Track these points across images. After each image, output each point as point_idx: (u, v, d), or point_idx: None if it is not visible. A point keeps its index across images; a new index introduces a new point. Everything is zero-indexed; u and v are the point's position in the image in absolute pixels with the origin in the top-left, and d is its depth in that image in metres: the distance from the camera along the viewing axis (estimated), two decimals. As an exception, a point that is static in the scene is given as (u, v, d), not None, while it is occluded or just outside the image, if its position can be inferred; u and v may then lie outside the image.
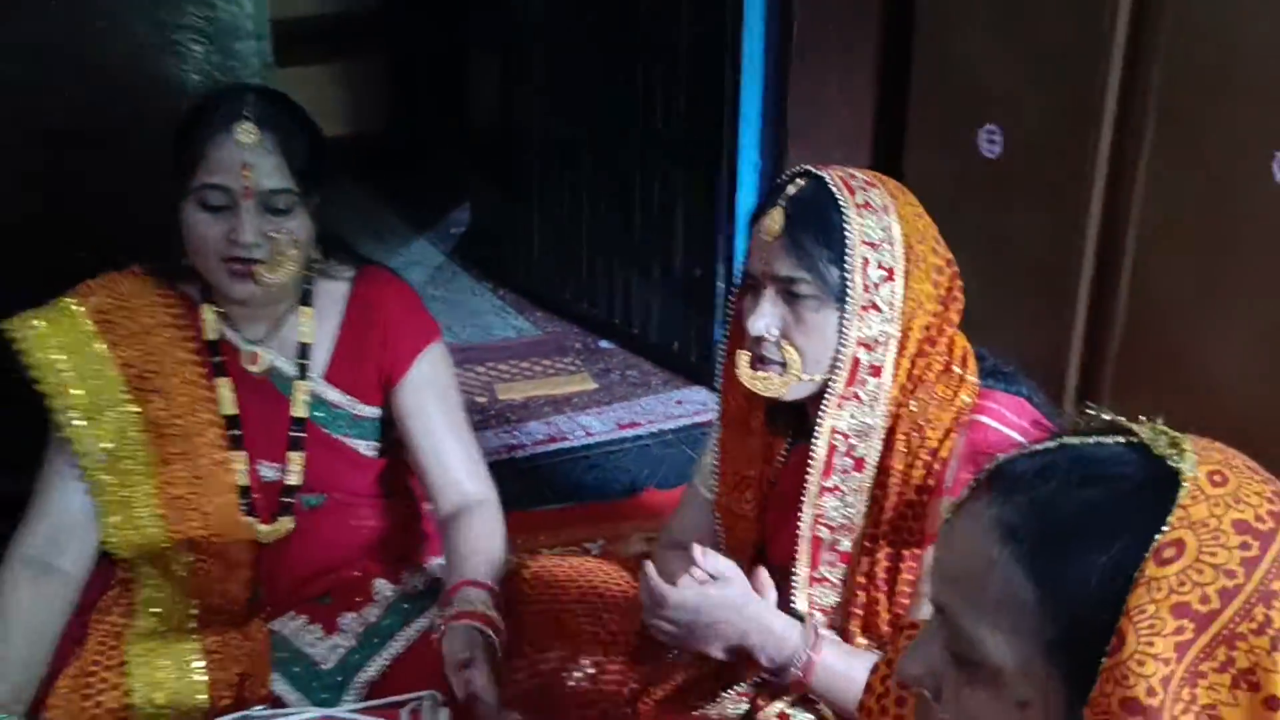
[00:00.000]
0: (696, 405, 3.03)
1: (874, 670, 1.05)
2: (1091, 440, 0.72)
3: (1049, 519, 0.68)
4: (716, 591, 1.42)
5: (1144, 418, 0.73)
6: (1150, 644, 0.63)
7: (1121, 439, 0.72)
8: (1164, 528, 0.65)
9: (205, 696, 1.60)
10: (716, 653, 1.47)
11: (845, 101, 2.72)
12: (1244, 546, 0.64)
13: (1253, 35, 1.99)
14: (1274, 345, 1.98)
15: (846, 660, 1.42)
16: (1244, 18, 2.00)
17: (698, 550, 1.43)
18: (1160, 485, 0.67)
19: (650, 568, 1.46)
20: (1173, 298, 2.17)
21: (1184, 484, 0.66)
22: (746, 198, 2.88)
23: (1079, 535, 0.67)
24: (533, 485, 2.58)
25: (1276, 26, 1.96)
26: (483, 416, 2.90)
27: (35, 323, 1.65)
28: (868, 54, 2.72)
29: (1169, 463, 0.68)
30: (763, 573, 1.47)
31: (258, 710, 1.37)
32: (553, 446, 2.82)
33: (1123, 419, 0.73)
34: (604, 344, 3.43)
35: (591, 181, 3.38)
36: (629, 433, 2.90)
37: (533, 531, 2.35)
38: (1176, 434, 0.71)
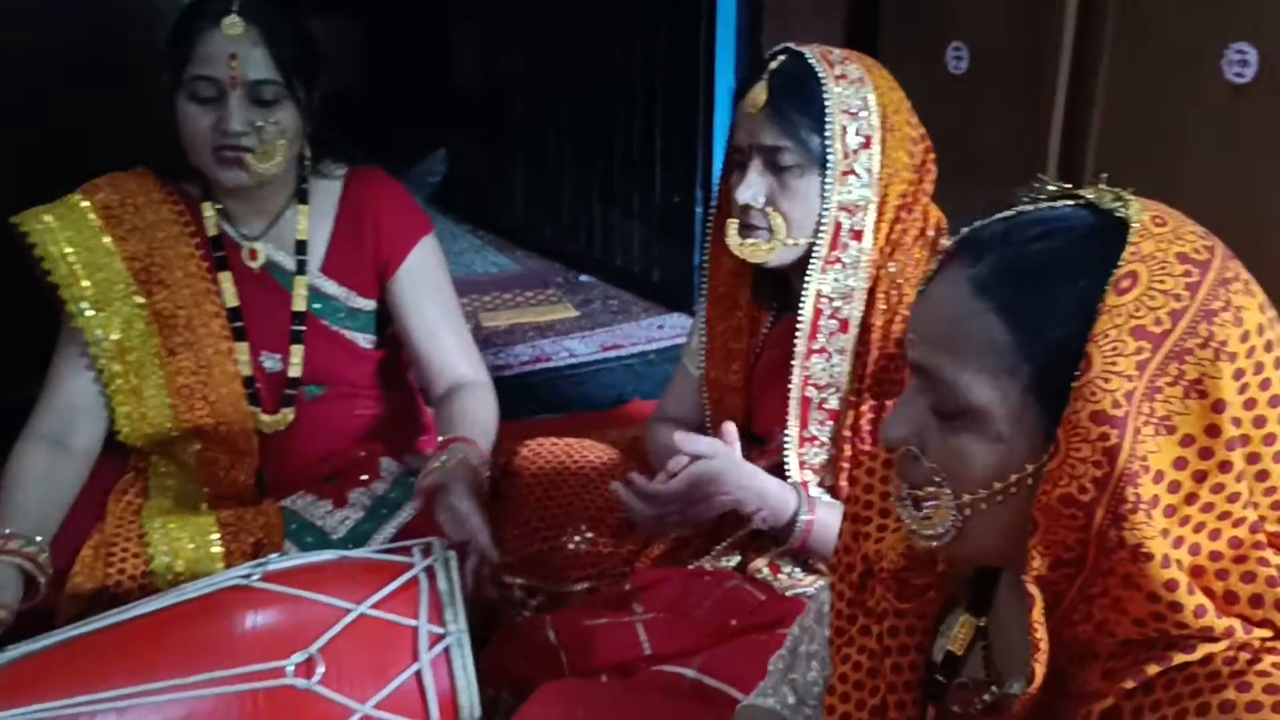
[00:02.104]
0: (677, 330, 3.11)
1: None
2: (1044, 204, 0.81)
3: (1017, 269, 0.76)
4: (700, 469, 1.48)
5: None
6: (1114, 363, 0.71)
7: (1070, 202, 0.81)
8: (1120, 263, 0.73)
9: (222, 565, 1.66)
10: (710, 517, 1.55)
11: (819, 22, 2.81)
12: (1187, 274, 0.73)
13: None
14: (1226, 237, 2.08)
15: (837, 516, 1.50)
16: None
17: (679, 436, 1.49)
18: (1111, 230, 0.75)
19: (621, 486, 1.51)
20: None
21: (1133, 224, 0.75)
22: (723, 123, 2.95)
23: (1045, 279, 0.75)
24: (522, 400, 2.66)
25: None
26: (469, 339, 2.97)
27: (45, 217, 1.70)
28: (839, -26, 2.82)
29: (1115, 213, 0.77)
30: (728, 426, 1.54)
31: (275, 556, 1.44)
32: (539, 366, 2.90)
33: (1069, 185, 0.82)
34: (584, 278, 3.51)
35: (571, 121, 3.45)
36: (612, 354, 2.98)
37: (524, 439, 2.43)
38: (1119, 189, 0.80)
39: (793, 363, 1.55)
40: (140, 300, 1.72)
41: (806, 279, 1.53)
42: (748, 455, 1.54)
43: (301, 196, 1.80)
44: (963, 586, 0.94)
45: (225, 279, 1.77)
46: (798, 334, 1.55)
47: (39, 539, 1.55)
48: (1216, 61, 2.09)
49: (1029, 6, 2.38)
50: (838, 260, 1.53)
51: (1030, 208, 0.81)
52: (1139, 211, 0.76)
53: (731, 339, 1.70)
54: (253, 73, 1.63)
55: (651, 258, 3.31)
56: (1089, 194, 0.80)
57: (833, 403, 1.57)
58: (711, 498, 1.49)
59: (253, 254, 1.78)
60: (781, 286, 1.65)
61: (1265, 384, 0.72)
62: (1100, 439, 0.71)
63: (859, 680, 0.94)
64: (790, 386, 1.56)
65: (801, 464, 1.57)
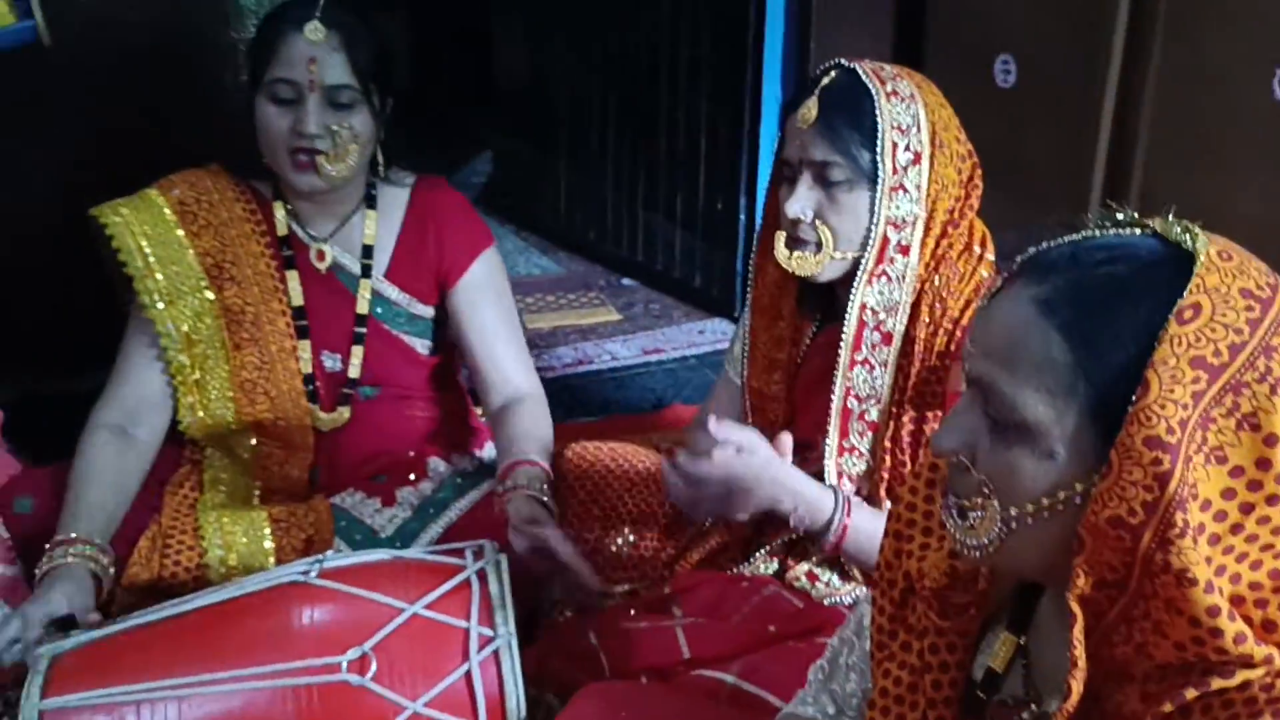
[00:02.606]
0: (719, 335, 3.14)
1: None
2: (1112, 231, 0.83)
3: (1082, 291, 0.78)
4: (741, 461, 1.48)
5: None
6: (1171, 390, 0.73)
7: (1138, 230, 0.83)
8: (1184, 293, 0.75)
9: (273, 560, 1.71)
10: (744, 518, 1.57)
11: (866, 35, 2.82)
12: (1249, 309, 0.75)
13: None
14: (1272, 256, 2.08)
15: (874, 522, 1.52)
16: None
17: (713, 421, 1.50)
18: (1177, 261, 0.77)
19: (670, 459, 1.52)
20: (1179, 215, 2.28)
21: (1199, 257, 0.77)
22: (769, 131, 2.97)
23: (1109, 303, 0.77)
24: (564, 402, 2.68)
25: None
26: (514, 342, 3.01)
27: (123, 210, 1.76)
28: (887, -13, 2.83)
29: (1183, 245, 0.79)
30: (784, 437, 1.54)
31: (331, 553, 1.48)
32: (581, 369, 2.93)
33: (1136, 215, 0.84)
34: (626, 281, 3.54)
35: (616, 125, 3.48)
36: (653, 357, 3.01)
37: (566, 441, 2.46)
38: (1187, 222, 0.82)
39: (835, 373, 1.58)
40: (210, 295, 1.77)
41: (852, 291, 1.55)
42: None
43: (370, 201, 1.85)
44: (1004, 604, 0.95)
45: (292, 278, 1.82)
46: (841, 345, 1.56)
47: (103, 543, 1.60)
48: (1266, 79, 2.09)
49: (1077, 20, 2.38)
50: (883, 273, 1.55)
51: (1098, 233, 0.82)
52: (1206, 244, 0.78)
53: (774, 348, 1.72)
54: (330, 77, 1.68)
55: (694, 262, 3.34)
56: (1157, 224, 0.81)
57: (873, 414, 1.59)
58: (750, 492, 1.48)
59: (320, 255, 1.83)
60: (826, 297, 1.67)
61: None
62: (1153, 463, 0.73)
63: (899, 695, 0.96)
64: (832, 397, 1.59)
65: (840, 473, 1.59)
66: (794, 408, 1.72)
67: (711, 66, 3.09)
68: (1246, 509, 0.74)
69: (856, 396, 1.58)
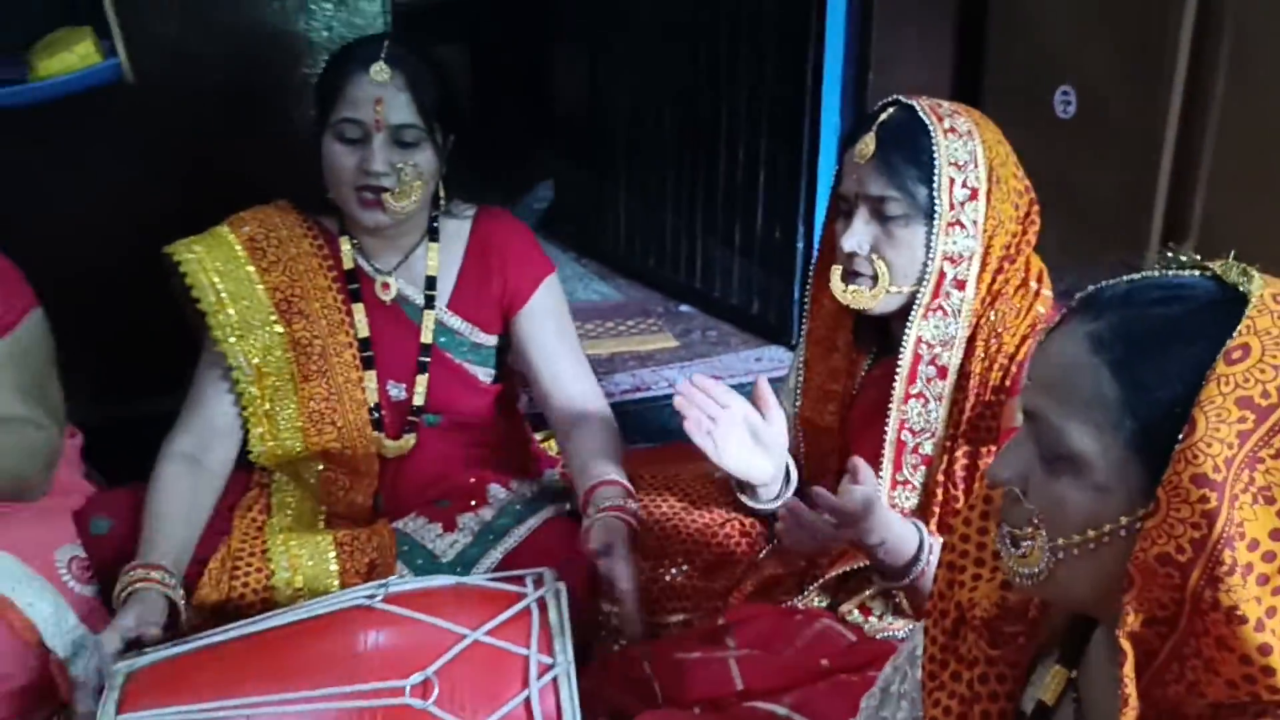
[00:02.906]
0: (776, 362, 3.14)
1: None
2: (1170, 272, 0.85)
3: (1134, 329, 0.80)
4: (864, 492, 1.44)
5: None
6: (1217, 430, 0.74)
7: (1197, 272, 0.84)
8: (1234, 334, 0.77)
9: (338, 583, 1.76)
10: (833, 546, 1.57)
11: (924, 66, 2.83)
12: None
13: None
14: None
15: None
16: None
17: (857, 461, 1.48)
18: (1231, 303, 0.79)
19: (797, 504, 1.53)
20: (1242, 253, 2.26)
21: (1251, 299, 0.78)
22: (827, 161, 2.99)
23: (1160, 342, 0.79)
24: (621, 428, 2.70)
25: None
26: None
27: (195, 248, 1.82)
28: (946, 19, 2.82)
29: (1239, 287, 0.80)
30: (866, 468, 1.49)
31: (396, 578, 1.52)
32: (638, 395, 2.96)
33: (1197, 257, 0.86)
34: (684, 308, 3.56)
35: (675, 153, 3.51)
36: (710, 385, 3.02)
37: (630, 467, 2.49)
38: (1245, 265, 0.83)
39: (890, 406, 1.59)
40: (280, 328, 1.82)
41: (908, 325, 1.57)
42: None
43: (433, 234, 1.90)
44: (1056, 637, 0.97)
45: (358, 310, 1.87)
46: (896, 378, 1.58)
47: (176, 568, 1.66)
48: (1333, 113, 2.07)
49: (1138, 52, 2.38)
50: (939, 308, 1.56)
51: (1156, 273, 0.84)
52: (1261, 287, 0.79)
53: (829, 380, 1.74)
54: (395, 117, 1.73)
55: (751, 290, 3.36)
56: (1216, 266, 0.83)
57: (927, 448, 1.60)
58: (859, 524, 1.46)
59: (385, 287, 1.88)
60: (881, 330, 1.69)
61: None
62: (1200, 501, 0.74)
63: None
64: (886, 430, 1.60)
65: (893, 506, 1.60)
66: (847, 440, 1.73)
67: (771, 97, 3.12)
68: None
69: (910, 430, 1.60)
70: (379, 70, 1.73)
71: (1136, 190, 2.41)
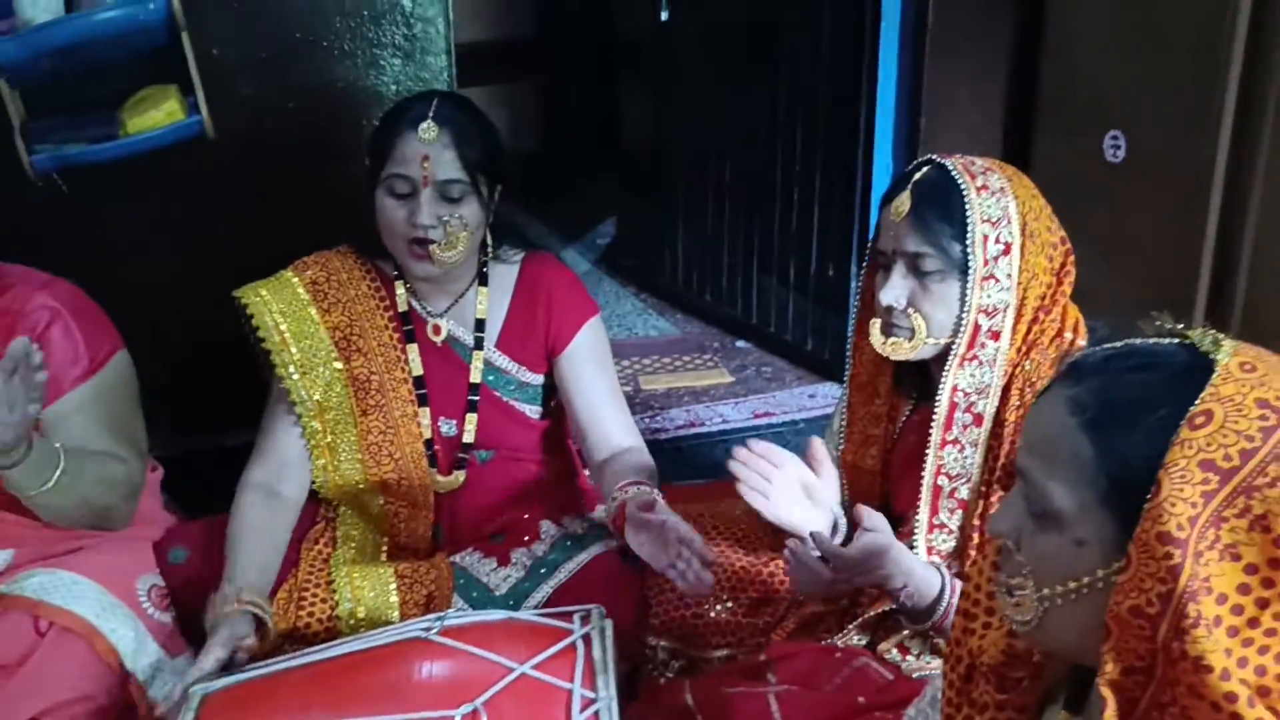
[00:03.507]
0: (829, 398, 3.19)
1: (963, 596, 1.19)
2: (1151, 340, 0.90)
3: (1108, 395, 0.86)
4: (873, 540, 1.53)
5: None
6: (1181, 490, 0.80)
7: (1176, 340, 0.90)
8: (1197, 401, 0.82)
9: (397, 614, 1.84)
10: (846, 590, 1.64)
11: (976, 108, 2.88)
12: (1263, 418, 0.81)
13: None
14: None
15: None
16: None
17: (862, 509, 1.55)
18: (1200, 370, 0.84)
19: (799, 546, 1.59)
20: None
21: (1218, 368, 0.84)
22: (880, 202, 3.04)
23: (1132, 406, 0.84)
24: (675, 464, 2.78)
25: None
26: (628, 404, 3.12)
27: (262, 292, 1.93)
28: (998, 62, 2.87)
29: (1209, 355, 0.86)
30: (876, 515, 1.56)
31: (452, 612, 1.61)
32: (692, 431, 3.03)
33: (1179, 326, 0.91)
34: (740, 344, 3.63)
35: (733, 192, 3.59)
36: (763, 421, 3.08)
37: (675, 503, 2.55)
38: (1220, 335, 0.88)
39: (926, 451, 1.64)
40: (339, 365, 1.92)
41: (944, 374, 1.61)
42: None
43: (482, 279, 1.99)
44: (1061, 683, 1.02)
45: (412, 350, 1.97)
46: (933, 425, 1.63)
47: (262, 589, 1.76)
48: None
49: (1187, 98, 2.40)
50: (975, 357, 1.61)
51: (1138, 341, 0.90)
52: (1229, 356, 0.85)
53: (871, 425, 1.79)
54: (442, 173, 1.82)
55: (806, 326, 3.41)
56: (1194, 335, 0.89)
57: (963, 492, 1.64)
58: (874, 570, 1.54)
59: (436, 329, 1.98)
60: (922, 376, 1.74)
61: None
62: (1164, 557, 0.79)
63: None
64: (923, 475, 1.65)
65: (930, 549, 1.65)
66: (889, 483, 1.79)
67: (826, 140, 3.18)
68: (1263, 604, 0.79)
69: (947, 475, 1.64)
70: (427, 129, 1.81)
71: (1185, 235, 2.43)
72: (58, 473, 1.72)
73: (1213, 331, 0.88)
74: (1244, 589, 0.79)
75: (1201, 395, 0.82)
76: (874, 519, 1.55)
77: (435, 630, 1.48)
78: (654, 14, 3.68)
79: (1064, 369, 0.92)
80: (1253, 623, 0.79)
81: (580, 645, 1.46)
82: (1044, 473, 0.88)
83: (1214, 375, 0.83)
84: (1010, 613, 0.93)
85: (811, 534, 1.59)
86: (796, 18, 3.20)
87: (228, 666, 1.60)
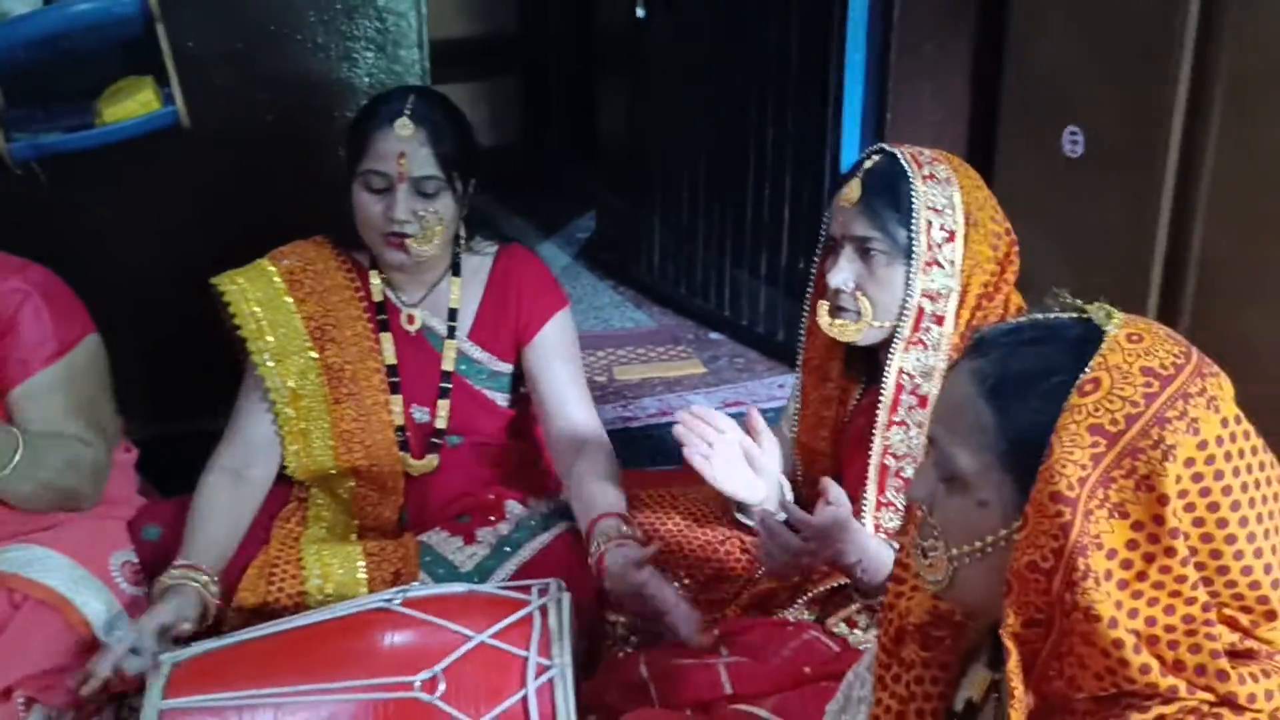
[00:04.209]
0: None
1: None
2: (1053, 315, 0.96)
3: (1007, 365, 0.92)
4: (836, 514, 1.57)
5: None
6: (1071, 453, 0.85)
7: (1075, 315, 0.96)
8: (1086, 369, 0.88)
9: (365, 590, 1.88)
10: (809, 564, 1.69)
11: (940, 105, 2.93)
12: (1147, 385, 0.87)
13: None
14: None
15: None
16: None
17: (828, 483, 1.60)
18: (1092, 341, 0.90)
19: (770, 517, 1.65)
20: (1237, 288, 2.34)
21: (1106, 338, 0.90)
22: (847, 197, 3.10)
23: (1028, 375, 0.90)
24: (645, 450, 2.84)
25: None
26: (602, 393, 3.17)
27: (239, 280, 1.97)
28: (961, 60, 2.93)
29: (1101, 327, 0.92)
30: (837, 489, 1.61)
31: (416, 585, 1.66)
32: (663, 419, 3.07)
33: (1079, 301, 0.97)
34: (714, 335, 3.69)
35: (707, 188, 3.65)
36: (733, 410, 3.13)
37: (645, 487, 2.60)
38: (1113, 309, 0.94)
39: (873, 433, 1.70)
40: (314, 354, 1.97)
41: (889, 357, 1.68)
42: None
43: (455, 270, 2.04)
44: (984, 642, 1.08)
45: (386, 339, 2.02)
46: (879, 407, 1.69)
47: (212, 571, 1.80)
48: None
49: (1141, 94, 2.46)
50: (919, 341, 1.67)
51: (1040, 316, 0.96)
52: (1118, 328, 0.91)
53: (823, 407, 1.85)
54: (418, 169, 1.86)
55: (776, 319, 3.47)
56: (1091, 309, 0.95)
57: (908, 472, 1.70)
58: (835, 544, 1.59)
59: (410, 319, 2.02)
60: (871, 361, 1.80)
61: (1205, 491, 0.85)
62: (1056, 515, 0.85)
63: None
64: (870, 455, 1.71)
65: (877, 527, 1.71)
66: (840, 463, 1.85)
67: (796, 137, 3.24)
68: (1149, 558, 0.85)
69: (894, 455, 1.70)
70: (402, 125, 1.86)
71: (1139, 226, 2.50)
72: (16, 457, 1.76)
73: (1107, 306, 0.94)
74: (1132, 545, 0.85)
75: (1090, 364, 0.88)
76: (837, 493, 1.60)
77: (398, 601, 1.54)
78: (631, 12, 3.73)
79: (970, 343, 0.98)
80: (1141, 575, 0.85)
81: (537, 615, 1.52)
82: (950, 439, 0.94)
83: (1103, 345, 0.89)
84: (925, 574, 0.98)
85: (782, 504, 1.64)
86: (767, 17, 3.26)
87: (168, 638, 1.64)
